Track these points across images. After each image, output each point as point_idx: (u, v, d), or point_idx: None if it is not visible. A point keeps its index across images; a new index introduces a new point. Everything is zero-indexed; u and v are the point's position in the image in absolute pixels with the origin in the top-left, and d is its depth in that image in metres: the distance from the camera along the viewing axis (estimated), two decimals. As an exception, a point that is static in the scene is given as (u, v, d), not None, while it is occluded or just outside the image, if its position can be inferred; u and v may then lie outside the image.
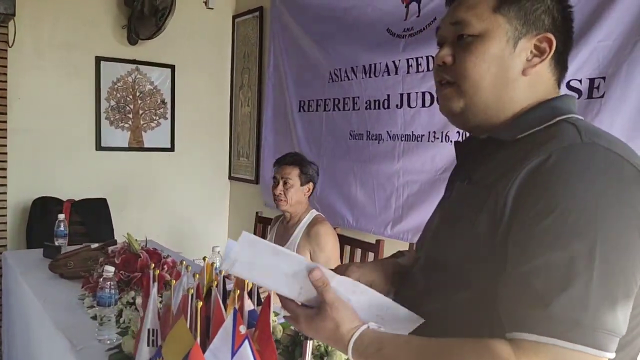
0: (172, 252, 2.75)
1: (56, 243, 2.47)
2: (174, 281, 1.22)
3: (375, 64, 2.87)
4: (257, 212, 3.14)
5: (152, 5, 3.53)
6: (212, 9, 4.07)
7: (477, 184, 0.81)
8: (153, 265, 1.35)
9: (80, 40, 3.57)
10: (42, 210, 3.24)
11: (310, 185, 2.45)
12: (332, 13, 3.16)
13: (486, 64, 0.80)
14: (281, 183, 2.41)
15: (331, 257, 2.26)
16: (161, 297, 1.34)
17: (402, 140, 2.75)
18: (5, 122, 3.31)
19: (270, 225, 2.78)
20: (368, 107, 2.95)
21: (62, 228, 2.49)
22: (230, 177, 4.25)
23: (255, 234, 3.06)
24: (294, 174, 2.41)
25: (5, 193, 3.34)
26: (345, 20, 3.08)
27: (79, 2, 3.54)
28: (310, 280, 0.76)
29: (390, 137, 2.82)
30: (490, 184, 0.76)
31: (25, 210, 3.35)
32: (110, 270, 1.48)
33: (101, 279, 1.48)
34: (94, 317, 1.57)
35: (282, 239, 2.47)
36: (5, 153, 3.32)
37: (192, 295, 1.05)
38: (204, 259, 1.36)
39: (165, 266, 1.78)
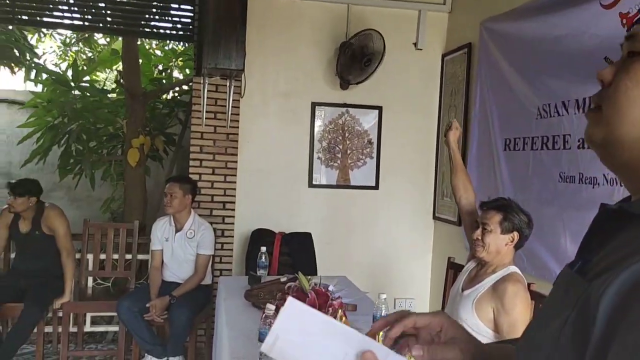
0: (358, 292, 2.79)
1: (258, 273, 2.73)
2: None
3: (589, 98, 2.50)
4: (449, 258, 2.99)
5: (362, 52, 3.73)
6: (421, 49, 4.10)
7: (581, 271, 0.61)
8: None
9: (298, 88, 3.97)
10: (259, 241, 3.63)
11: (515, 235, 2.19)
12: (542, 44, 2.88)
13: None
14: (480, 227, 2.24)
15: (517, 324, 1.99)
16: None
17: (621, 186, 2.31)
18: (236, 162, 3.85)
19: (465, 265, 2.59)
20: (581, 146, 2.58)
21: (263, 260, 2.74)
22: (434, 217, 4.15)
23: (446, 280, 2.92)
24: (494, 220, 2.20)
25: (233, 224, 3.86)
26: (556, 50, 2.77)
27: (298, 55, 3.95)
28: None
29: (607, 181, 2.41)
30: (592, 276, 0.57)
31: (247, 239, 3.80)
32: (271, 308, 1.56)
33: (263, 316, 1.57)
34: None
35: (468, 284, 2.29)
36: (235, 189, 3.85)
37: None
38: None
39: (330, 308, 1.81)
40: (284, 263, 3.54)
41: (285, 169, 3.96)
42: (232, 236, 3.86)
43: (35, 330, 3.30)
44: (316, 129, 4.02)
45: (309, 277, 2.67)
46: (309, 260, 3.67)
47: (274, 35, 3.90)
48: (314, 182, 4.02)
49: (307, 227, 3.87)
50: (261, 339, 1.54)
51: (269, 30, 3.88)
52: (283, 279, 2.41)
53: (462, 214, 2.62)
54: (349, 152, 4.09)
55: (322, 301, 1.83)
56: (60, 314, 3.49)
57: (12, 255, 3.63)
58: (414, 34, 4.03)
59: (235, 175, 3.85)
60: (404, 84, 4.11)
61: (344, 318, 1.41)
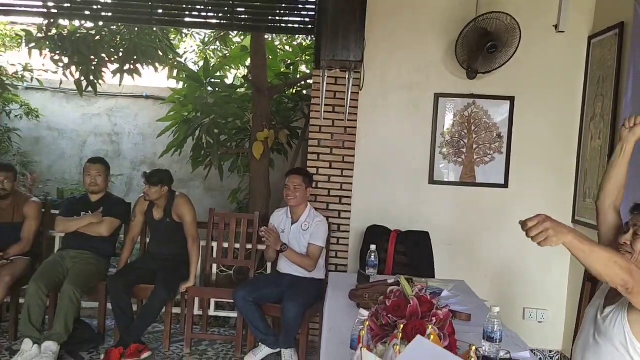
0: (476, 300, 2.54)
1: (367, 272, 2.61)
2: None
3: None
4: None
5: (488, 38, 3.42)
6: (562, 32, 3.64)
7: None
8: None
9: (421, 79, 3.76)
10: (373, 238, 3.50)
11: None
12: None
13: None
14: (631, 231, 1.89)
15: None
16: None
17: None
18: (354, 156, 3.76)
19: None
20: None
21: (372, 258, 2.62)
22: (573, 221, 3.68)
23: (582, 292, 2.53)
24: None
25: (349, 219, 3.78)
26: None
27: (422, 44, 3.74)
28: None
29: None
30: None
31: (362, 235, 3.70)
32: (364, 314, 1.44)
33: (356, 321, 1.45)
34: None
35: (613, 298, 1.94)
36: (351, 183, 3.76)
37: None
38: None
39: (434, 318, 1.63)
40: (400, 262, 3.38)
41: (404, 164, 3.78)
42: (348, 231, 3.78)
43: (163, 310, 3.54)
44: (439, 122, 3.78)
45: (421, 279, 2.50)
46: (427, 261, 3.47)
47: (395, 24, 3.73)
48: (435, 179, 3.78)
49: (426, 226, 3.66)
50: (352, 346, 1.42)
51: (390, 19, 3.72)
52: (390, 280, 2.26)
53: (603, 216, 2.23)
54: (475, 146, 3.78)
55: (425, 309, 1.66)
56: (186, 297, 3.70)
57: (148, 240, 3.92)
58: (553, 15, 3.59)
59: (352, 170, 3.76)
60: (541, 72, 3.70)
61: (432, 336, 1.24)
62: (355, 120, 3.74)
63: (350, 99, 3.58)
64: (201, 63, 6.26)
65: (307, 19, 4.05)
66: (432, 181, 3.78)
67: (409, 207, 3.75)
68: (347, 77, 3.58)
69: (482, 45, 3.39)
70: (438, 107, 3.77)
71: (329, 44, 3.23)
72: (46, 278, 3.35)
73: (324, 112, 3.67)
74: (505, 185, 3.75)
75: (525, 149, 3.74)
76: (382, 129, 3.78)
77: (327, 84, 3.62)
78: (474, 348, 1.19)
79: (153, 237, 3.80)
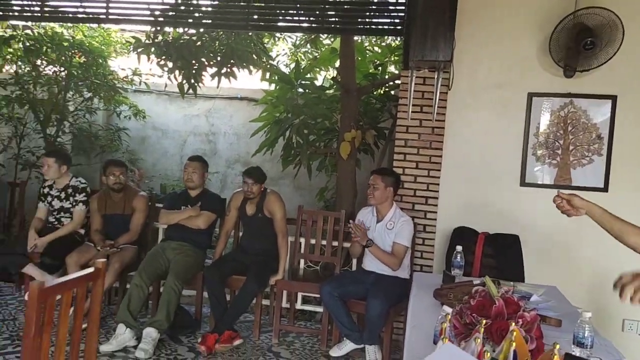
0: (568, 306, 2.46)
1: (452, 273, 2.61)
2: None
3: None
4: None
5: (593, 35, 3.26)
6: (673, 25, 3.40)
7: None
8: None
9: (513, 78, 3.66)
10: (460, 239, 3.47)
11: None
12: None
13: None
14: None
15: None
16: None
17: None
18: (441, 156, 3.74)
19: None
20: None
21: (458, 259, 2.61)
22: (682, 229, 3.41)
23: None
24: None
25: (435, 219, 3.76)
26: None
27: (514, 42, 3.64)
28: None
29: None
30: None
31: (448, 236, 3.67)
32: (447, 310, 1.47)
33: (439, 317, 1.49)
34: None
35: None
36: (438, 184, 3.75)
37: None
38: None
39: (520, 320, 1.62)
40: (487, 265, 3.32)
41: (493, 165, 3.70)
42: (434, 232, 3.76)
43: (254, 302, 3.73)
44: (532, 122, 3.66)
45: (508, 282, 2.46)
46: (516, 265, 3.37)
47: (485, 19, 3.66)
48: (526, 181, 3.67)
49: (516, 228, 3.55)
50: (434, 341, 1.46)
51: (480, 13, 3.66)
52: (476, 281, 2.25)
53: None
54: (571, 148, 3.62)
55: (511, 310, 1.65)
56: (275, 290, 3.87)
57: (240, 234, 4.15)
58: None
59: (439, 170, 3.74)
60: (648, 68, 3.47)
61: (515, 333, 1.24)
62: (443, 121, 3.72)
63: (439, 99, 3.56)
64: (292, 65, 6.48)
65: (396, 20, 4.07)
66: (523, 183, 3.67)
67: (497, 210, 3.66)
68: (435, 77, 3.56)
69: (579, 41, 3.24)
70: (532, 107, 3.65)
71: (418, 44, 3.24)
72: (149, 270, 3.64)
73: (412, 112, 3.68)
74: (604, 189, 3.56)
75: (628, 151, 3.52)
76: (470, 129, 3.73)
77: (415, 84, 3.63)
78: (557, 346, 1.18)
79: (245, 232, 4.01)
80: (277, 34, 6.44)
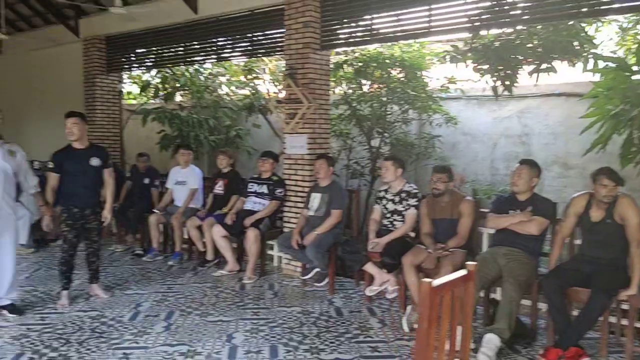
0: None
1: None
2: None
3: None
4: None
5: None
6: None
7: None
8: None
9: None
10: None
11: None
12: None
13: None
14: None
15: None
16: None
17: None
18: None
19: None
20: None
21: None
22: None
23: None
24: None
25: None
26: None
27: None
28: None
29: None
30: None
31: None
32: None
33: None
34: None
35: None
36: None
37: None
38: None
39: None
40: None
41: None
42: None
43: (600, 318, 3.34)
44: None
45: None
46: None
47: None
48: None
49: None
50: None
51: None
52: None
53: None
54: None
55: None
56: (625, 306, 3.39)
57: (577, 242, 3.78)
58: None
59: None
60: None
61: None
62: None
63: None
64: (620, 52, 5.67)
65: None
66: None
67: None
68: None
69: None
70: None
71: None
72: (480, 275, 3.59)
73: None
74: None
75: None
76: None
77: None
78: None
79: (587, 239, 3.63)
80: (603, 18, 5.73)
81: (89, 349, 3.48)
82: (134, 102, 9.93)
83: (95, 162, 4.37)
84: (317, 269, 4.82)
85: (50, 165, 4.43)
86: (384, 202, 4.52)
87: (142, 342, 3.61)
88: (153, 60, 7.62)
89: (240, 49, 6.46)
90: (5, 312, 4.10)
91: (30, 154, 4.33)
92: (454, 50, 5.18)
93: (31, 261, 5.91)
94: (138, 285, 5.00)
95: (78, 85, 8.00)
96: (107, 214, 4.48)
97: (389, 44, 6.11)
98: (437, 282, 1.76)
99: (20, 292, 4.47)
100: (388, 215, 4.48)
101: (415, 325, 3.80)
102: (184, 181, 6.08)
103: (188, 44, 6.93)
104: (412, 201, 4.34)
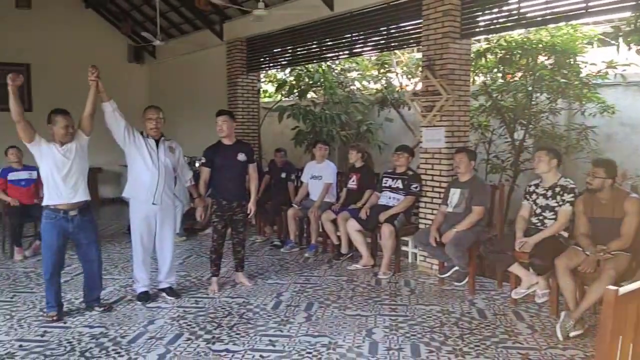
0: None
1: None
2: None
3: None
4: None
5: None
6: None
7: None
8: None
9: None
10: None
11: None
12: None
13: None
14: None
15: None
16: None
17: None
18: None
19: None
20: None
21: None
22: None
23: None
24: None
25: None
26: None
27: None
28: None
29: None
30: None
31: None
32: None
33: None
34: None
35: None
36: None
37: None
38: None
39: None
40: None
41: None
42: None
43: None
44: None
45: None
46: None
47: None
48: None
49: None
50: None
51: None
52: None
53: None
54: None
55: None
56: None
57: None
58: None
59: None
60: None
61: None
62: None
63: None
64: None
65: None
66: None
67: None
68: None
69: None
70: None
71: None
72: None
73: None
74: None
75: None
76: None
77: None
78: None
79: None
80: None
81: (238, 334, 3.67)
82: (268, 100, 10.38)
83: (241, 157, 4.62)
84: (456, 268, 4.62)
85: (203, 160, 4.77)
86: (534, 197, 4.18)
87: (285, 330, 3.73)
88: (288, 58, 7.89)
89: (373, 43, 6.42)
90: (164, 294, 4.50)
91: (183, 150, 4.69)
92: (614, 31, 4.62)
93: (183, 249, 6.42)
94: (278, 275, 5.19)
95: (222, 86, 8.56)
96: (251, 207, 4.71)
97: (535, 28, 5.65)
98: (623, 290, 1.55)
99: (177, 277, 4.86)
100: (538, 211, 4.14)
101: (572, 334, 3.48)
102: (319, 176, 6.20)
103: (322, 41, 7.05)
104: (568, 197, 3.96)
